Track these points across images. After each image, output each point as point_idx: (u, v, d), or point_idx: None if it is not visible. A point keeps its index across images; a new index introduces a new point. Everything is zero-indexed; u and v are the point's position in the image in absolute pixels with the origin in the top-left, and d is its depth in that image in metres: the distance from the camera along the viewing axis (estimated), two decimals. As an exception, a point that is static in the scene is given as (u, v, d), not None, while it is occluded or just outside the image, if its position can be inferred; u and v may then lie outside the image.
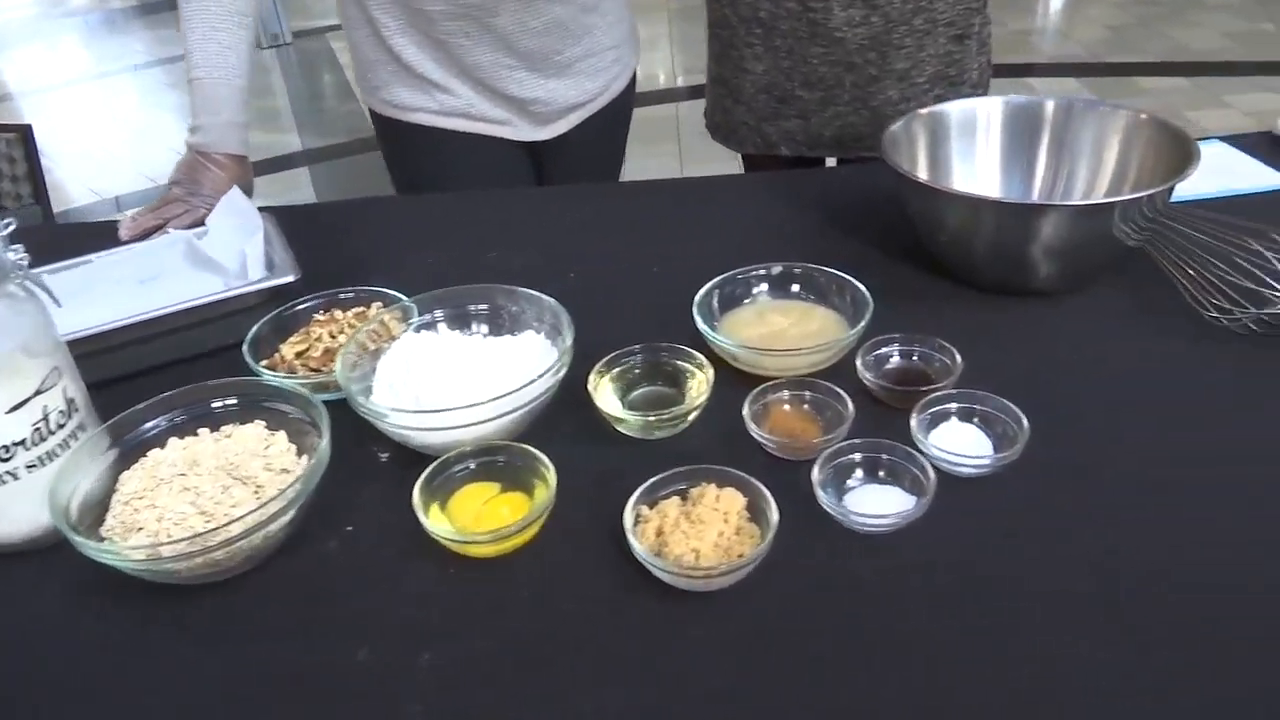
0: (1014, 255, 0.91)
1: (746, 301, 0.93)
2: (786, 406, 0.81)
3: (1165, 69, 4.14)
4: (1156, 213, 0.91)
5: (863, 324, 0.84)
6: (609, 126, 1.45)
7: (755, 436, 0.77)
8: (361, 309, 0.94)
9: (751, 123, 1.39)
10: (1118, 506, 0.71)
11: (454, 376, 0.80)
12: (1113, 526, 0.70)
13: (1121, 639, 0.62)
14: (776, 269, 0.93)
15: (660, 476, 0.71)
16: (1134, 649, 0.61)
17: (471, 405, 0.74)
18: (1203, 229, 0.95)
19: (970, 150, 1.06)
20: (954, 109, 1.06)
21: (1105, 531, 0.69)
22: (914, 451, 0.73)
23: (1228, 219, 0.94)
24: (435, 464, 0.74)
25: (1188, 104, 3.80)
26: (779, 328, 0.89)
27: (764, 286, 0.93)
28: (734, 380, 0.83)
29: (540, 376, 0.77)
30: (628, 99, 1.47)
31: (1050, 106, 1.05)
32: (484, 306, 0.90)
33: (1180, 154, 0.92)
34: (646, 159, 2.89)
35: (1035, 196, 1.05)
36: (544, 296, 0.87)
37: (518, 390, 0.76)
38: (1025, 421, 0.74)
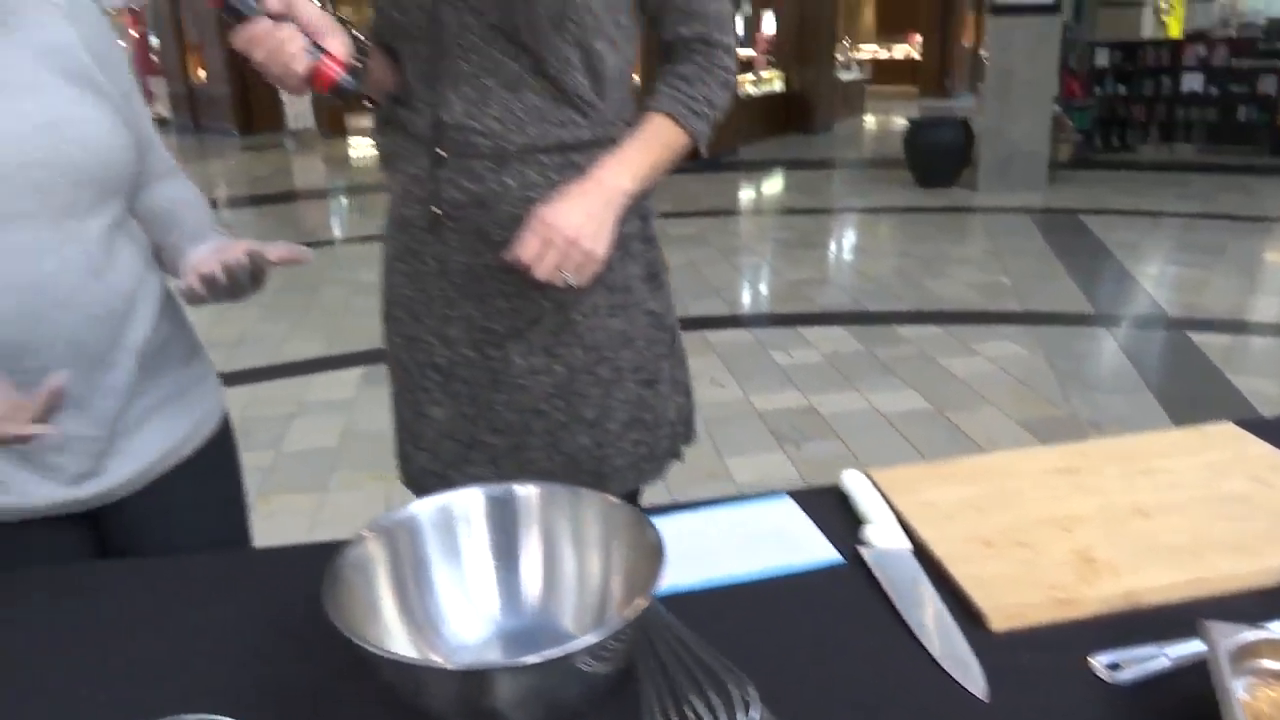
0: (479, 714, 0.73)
1: None
2: None
3: (921, 318, 4.33)
4: (629, 637, 0.76)
5: None
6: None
7: None
8: None
9: (438, 470, 1.26)
10: None
11: None
12: None
13: None
14: None
15: None
16: None
17: None
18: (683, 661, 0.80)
19: (455, 551, 0.91)
20: (426, 509, 0.91)
21: None
22: None
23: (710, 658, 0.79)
24: None
25: (940, 351, 3.94)
26: None
27: None
28: None
29: None
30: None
31: (533, 495, 0.92)
32: None
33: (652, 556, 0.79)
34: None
35: (525, 601, 0.89)
36: None
37: None
38: None
